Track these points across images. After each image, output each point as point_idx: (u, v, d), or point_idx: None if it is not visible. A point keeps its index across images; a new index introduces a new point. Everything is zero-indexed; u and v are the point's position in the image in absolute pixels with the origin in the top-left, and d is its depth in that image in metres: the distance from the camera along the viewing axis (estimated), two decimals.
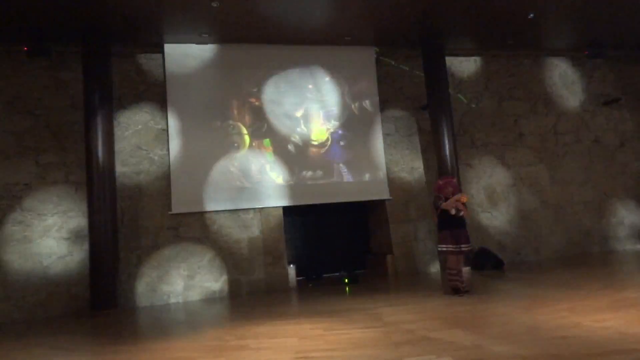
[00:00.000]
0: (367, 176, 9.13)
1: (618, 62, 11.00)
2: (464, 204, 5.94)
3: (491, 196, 9.70)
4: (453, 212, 5.86)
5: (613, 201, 10.37)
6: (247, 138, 8.68)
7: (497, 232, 9.56)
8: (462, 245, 5.83)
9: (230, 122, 8.65)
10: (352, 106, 9.28)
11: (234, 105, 8.72)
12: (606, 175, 10.47)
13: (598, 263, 8.22)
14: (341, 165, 9.00)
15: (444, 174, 8.59)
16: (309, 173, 8.81)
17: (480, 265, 8.43)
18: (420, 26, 8.68)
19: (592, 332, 3.47)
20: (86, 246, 7.52)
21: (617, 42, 10.21)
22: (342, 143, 9.09)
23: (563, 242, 9.89)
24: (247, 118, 8.75)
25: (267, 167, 8.67)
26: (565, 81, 10.66)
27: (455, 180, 6.12)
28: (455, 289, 5.84)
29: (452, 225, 5.90)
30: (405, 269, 9.01)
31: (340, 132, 9.13)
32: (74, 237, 7.67)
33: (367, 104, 9.35)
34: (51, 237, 7.59)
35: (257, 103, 8.84)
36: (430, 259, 9.15)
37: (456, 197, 5.89)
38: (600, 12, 8.64)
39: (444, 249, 5.93)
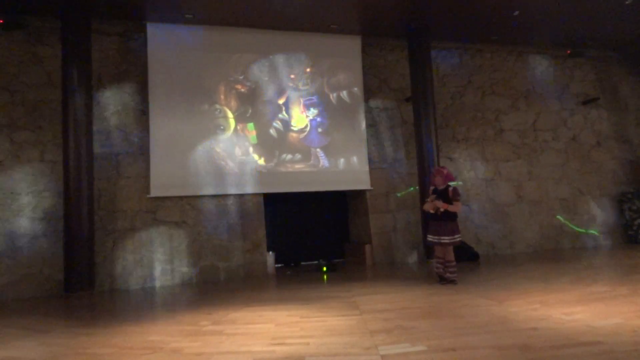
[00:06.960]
0: (348, 165, 9.16)
1: (598, 63, 11.20)
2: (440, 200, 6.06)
3: (470, 189, 9.84)
4: (432, 211, 6.10)
5: (587, 199, 10.63)
6: (232, 122, 8.63)
7: (473, 225, 9.72)
8: (442, 237, 5.95)
9: (217, 106, 8.60)
10: (334, 95, 9.28)
11: (220, 90, 8.64)
12: (581, 172, 10.71)
13: (569, 258, 8.43)
14: (319, 150, 9.04)
15: (424, 166, 8.67)
16: (289, 156, 8.85)
17: (456, 257, 8.53)
18: (407, 18, 8.70)
19: (561, 324, 3.58)
20: (61, 227, 7.37)
21: (598, 43, 10.40)
22: (320, 130, 9.10)
23: (537, 237, 10.12)
24: (234, 103, 8.70)
25: (251, 149, 8.66)
26: (546, 79, 10.82)
27: (446, 170, 6.20)
28: (440, 277, 6.17)
29: (433, 218, 6.16)
30: (383, 259, 9.11)
31: (319, 119, 9.13)
32: (49, 217, 7.51)
33: (350, 93, 9.35)
34: (25, 216, 7.42)
35: (243, 89, 8.76)
36: (407, 250, 9.27)
37: (431, 199, 6.04)
38: (583, 12, 8.78)
39: (429, 239, 6.21)
